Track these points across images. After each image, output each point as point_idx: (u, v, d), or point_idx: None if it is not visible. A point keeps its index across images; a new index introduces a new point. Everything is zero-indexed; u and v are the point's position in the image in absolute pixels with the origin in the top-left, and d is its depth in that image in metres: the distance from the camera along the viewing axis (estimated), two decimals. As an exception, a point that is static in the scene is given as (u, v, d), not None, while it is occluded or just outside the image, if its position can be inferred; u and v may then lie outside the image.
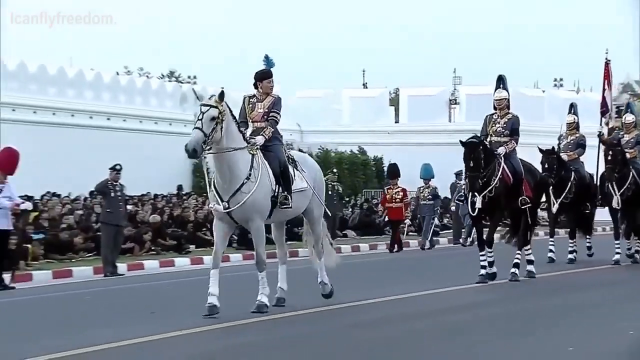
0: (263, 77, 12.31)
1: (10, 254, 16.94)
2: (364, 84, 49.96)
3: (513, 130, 15.07)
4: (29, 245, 19.02)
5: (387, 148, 36.50)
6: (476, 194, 14.62)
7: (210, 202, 12.34)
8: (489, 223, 15.51)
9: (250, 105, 12.28)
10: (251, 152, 11.79)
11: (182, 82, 40.85)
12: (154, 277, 18.81)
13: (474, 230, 24.17)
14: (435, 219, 26.53)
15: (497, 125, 15.10)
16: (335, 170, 26.36)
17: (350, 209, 31.59)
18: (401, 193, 24.77)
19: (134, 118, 30.76)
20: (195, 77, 44.29)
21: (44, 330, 11.34)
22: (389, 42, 72.27)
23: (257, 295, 11.92)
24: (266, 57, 12.56)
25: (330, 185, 23.98)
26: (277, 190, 11.91)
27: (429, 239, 25.69)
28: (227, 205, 11.59)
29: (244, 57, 56.18)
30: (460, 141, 14.79)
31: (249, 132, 12.14)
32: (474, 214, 14.96)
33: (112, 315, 12.60)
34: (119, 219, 19.18)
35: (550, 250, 18.91)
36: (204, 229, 24.80)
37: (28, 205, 17.66)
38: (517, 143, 15.08)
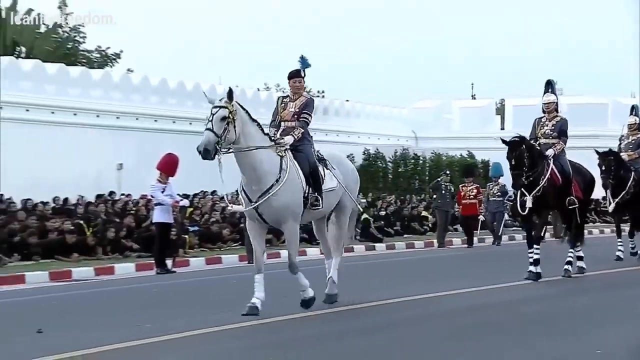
0: (290, 76, 11.29)
1: (172, 244, 17.82)
2: (472, 96, 50.00)
3: (561, 132, 14.28)
4: (186, 236, 19.85)
5: (493, 152, 36.38)
6: (526, 193, 13.84)
7: (229, 204, 11.87)
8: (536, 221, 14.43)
9: (283, 105, 11.25)
10: (280, 153, 10.68)
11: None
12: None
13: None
14: (505, 214, 25.71)
15: (546, 128, 14.35)
16: (447, 171, 26.54)
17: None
18: (475, 190, 24.44)
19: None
20: (323, 92, 45.03)
21: (203, 307, 11.77)
22: (498, 54, 71.39)
23: (303, 293, 10.85)
24: (301, 57, 11.41)
25: (443, 185, 24.40)
26: (307, 190, 10.83)
27: (499, 234, 24.86)
28: (255, 207, 10.50)
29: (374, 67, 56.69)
30: (502, 139, 14.15)
31: (279, 132, 11.04)
32: (524, 213, 14.08)
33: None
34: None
35: (619, 250, 17.51)
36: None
37: (185, 202, 18.67)
38: (565, 144, 14.34)
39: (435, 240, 24.66)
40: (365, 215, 25.59)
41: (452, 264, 18.92)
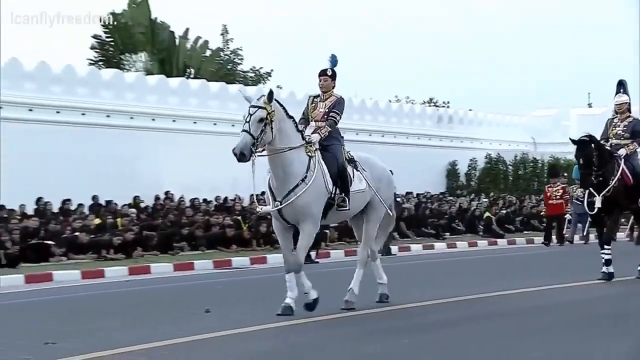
0: (319, 74, 10.19)
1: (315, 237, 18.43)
2: (588, 104, 48.78)
3: (634, 132, 12.99)
4: (327, 231, 20.36)
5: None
6: (595, 193, 12.70)
7: (258, 206, 10.55)
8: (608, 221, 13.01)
9: (313, 105, 10.12)
10: (309, 153, 9.64)
11: (438, 107, 41.34)
12: (419, 258, 19.71)
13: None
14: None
15: (617, 129, 13.10)
16: (564, 174, 26.18)
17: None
18: (561, 190, 23.43)
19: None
20: (449, 102, 45.00)
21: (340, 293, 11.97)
22: (615, 64, 69.16)
23: (309, 294, 9.72)
24: (331, 56, 10.31)
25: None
26: (334, 191, 9.73)
27: (584, 233, 23.46)
28: (278, 205, 9.52)
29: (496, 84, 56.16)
30: (571, 139, 12.97)
31: (308, 130, 9.95)
32: (593, 213, 12.95)
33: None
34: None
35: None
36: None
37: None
38: (639, 145, 13.09)
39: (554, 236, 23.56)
40: (487, 214, 25.73)
41: (547, 260, 18.38)
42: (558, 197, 23.44)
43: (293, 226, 9.75)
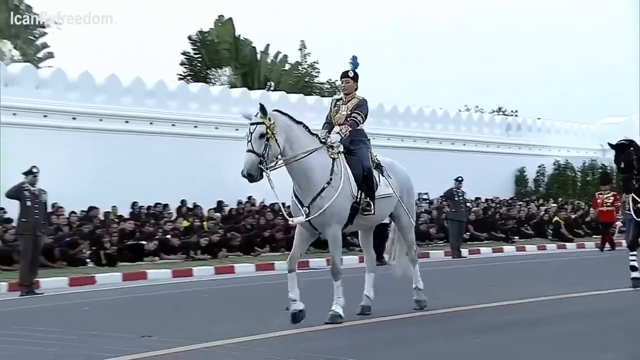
0: (341, 76, 9.49)
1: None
2: (655, 112, 47.45)
3: None
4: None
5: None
6: (638, 199, 11.70)
7: (290, 218, 9.09)
8: None
9: (336, 108, 9.36)
10: (332, 156, 8.89)
11: (507, 115, 40.80)
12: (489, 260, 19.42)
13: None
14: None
15: None
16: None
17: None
18: (612, 198, 22.11)
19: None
20: (517, 111, 44.39)
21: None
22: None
23: (332, 305, 8.96)
24: (352, 57, 9.57)
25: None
26: (359, 196, 8.96)
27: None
28: (307, 211, 8.75)
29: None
30: (609, 144, 12.22)
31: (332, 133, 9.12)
32: (639, 219, 11.82)
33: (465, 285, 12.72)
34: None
35: None
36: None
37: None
38: None
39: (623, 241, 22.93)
40: (556, 218, 25.28)
41: (603, 265, 17.70)
42: (609, 204, 22.30)
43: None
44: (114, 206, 20.26)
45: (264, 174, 8.50)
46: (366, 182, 9.06)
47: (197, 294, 13.31)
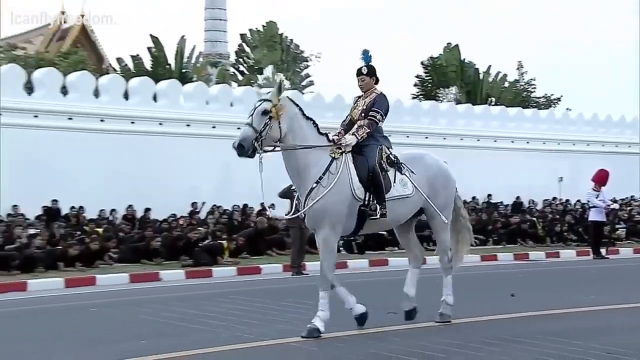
0: (356, 74, 7.61)
1: (604, 237, 17.17)
2: None
3: None
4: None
5: None
6: None
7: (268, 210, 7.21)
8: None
9: (355, 105, 7.63)
10: (332, 155, 7.12)
11: None
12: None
13: None
14: None
15: None
16: None
17: None
18: None
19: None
20: None
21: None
22: None
23: (314, 315, 7.04)
24: (363, 52, 7.63)
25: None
26: (366, 198, 7.10)
27: None
28: (296, 211, 7.24)
29: None
30: None
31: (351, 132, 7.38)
32: None
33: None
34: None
35: None
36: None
37: (615, 206, 17.95)
38: None
39: None
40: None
41: None
42: None
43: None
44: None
45: (257, 154, 6.85)
46: (373, 184, 7.15)
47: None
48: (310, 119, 7.21)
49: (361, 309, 7.31)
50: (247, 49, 35.33)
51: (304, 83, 35.30)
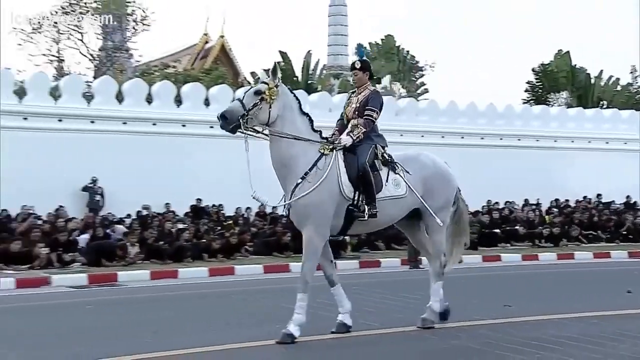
0: (350, 69, 6.93)
1: None
2: None
3: None
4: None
5: None
6: None
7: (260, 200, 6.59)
8: None
9: (348, 101, 6.87)
10: (322, 150, 6.41)
11: None
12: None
13: None
14: None
15: None
16: None
17: None
18: None
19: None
20: None
21: None
22: None
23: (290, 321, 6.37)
24: (357, 46, 6.94)
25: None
26: (356, 198, 6.40)
27: None
28: (281, 204, 6.48)
29: None
30: None
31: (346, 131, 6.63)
32: None
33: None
34: None
35: None
36: None
37: None
38: None
39: None
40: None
41: None
42: None
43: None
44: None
45: (241, 131, 6.16)
46: (362, 183, 6.43)
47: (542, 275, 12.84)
48: (306, 115, 6.53)
49: (349, 320, 6.66)
50: (367, 61, 35.62)
51: (419, 91, 35.17)
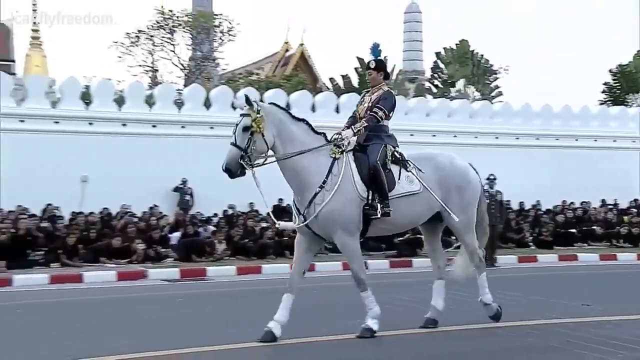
0: (365, 68, 6.76)
1: None
2: None
3: None
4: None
5: None
6: None
7: (276, 222, 6.72)
8: None
9: (362, 99, 6.69)
10: (333, 155, 6.17)
11: None
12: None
13: None
14: None
15: None
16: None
17: None
18: None
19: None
20: None
21: None
22: None
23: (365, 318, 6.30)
24: (372, 46, 6.61)
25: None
26: (369, 197, 6.14)
27: None
28: (302, 219, 6.16)
29: None
30: None
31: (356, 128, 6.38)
32: None
33: None
34: None
35: None
36: None
37: None
38: None
39: None
40: None
41: None
42: None
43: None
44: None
45: (248, 171, 6.00)
46: (374, 181, 6.19)
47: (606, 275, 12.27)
48: (302, 120, 6.30)
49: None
50: (442, 65, 35.19)
51: (493, 94, 34.38)
